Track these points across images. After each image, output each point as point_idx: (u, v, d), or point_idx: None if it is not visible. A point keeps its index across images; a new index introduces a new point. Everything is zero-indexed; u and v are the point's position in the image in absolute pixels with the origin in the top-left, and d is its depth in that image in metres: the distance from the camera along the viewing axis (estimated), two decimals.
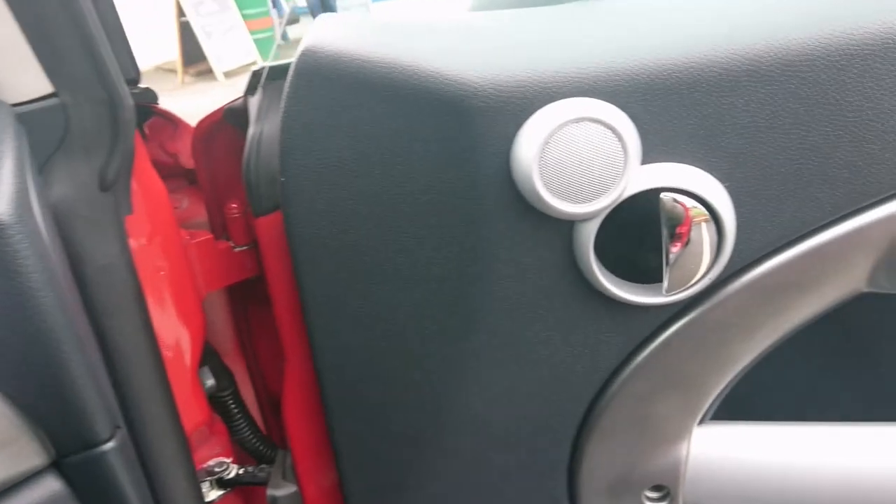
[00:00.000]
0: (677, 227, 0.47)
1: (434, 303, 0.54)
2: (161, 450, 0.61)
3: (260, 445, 0.82)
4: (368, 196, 0.51)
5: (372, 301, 0.55)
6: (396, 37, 0.50)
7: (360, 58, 0.47)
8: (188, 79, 6.52)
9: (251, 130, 0.59)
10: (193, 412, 0.68)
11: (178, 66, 6.46)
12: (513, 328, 0.54)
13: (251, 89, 0.64)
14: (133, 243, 0.58)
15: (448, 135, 0.47)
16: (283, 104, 0.49)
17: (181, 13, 6.18)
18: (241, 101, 0.65)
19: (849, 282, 0.50)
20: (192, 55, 6.31)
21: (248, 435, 0.81)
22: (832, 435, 0.57)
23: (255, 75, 0.63)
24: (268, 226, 0.58)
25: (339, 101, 0.48)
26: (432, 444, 0.60)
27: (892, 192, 0.47)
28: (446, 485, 0.62)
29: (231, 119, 0.67)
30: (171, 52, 6.52)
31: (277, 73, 0.62)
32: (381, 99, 0.47)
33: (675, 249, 0.48)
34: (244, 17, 6.39)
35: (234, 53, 6.23)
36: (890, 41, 0.43)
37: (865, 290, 0.51)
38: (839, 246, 0.49)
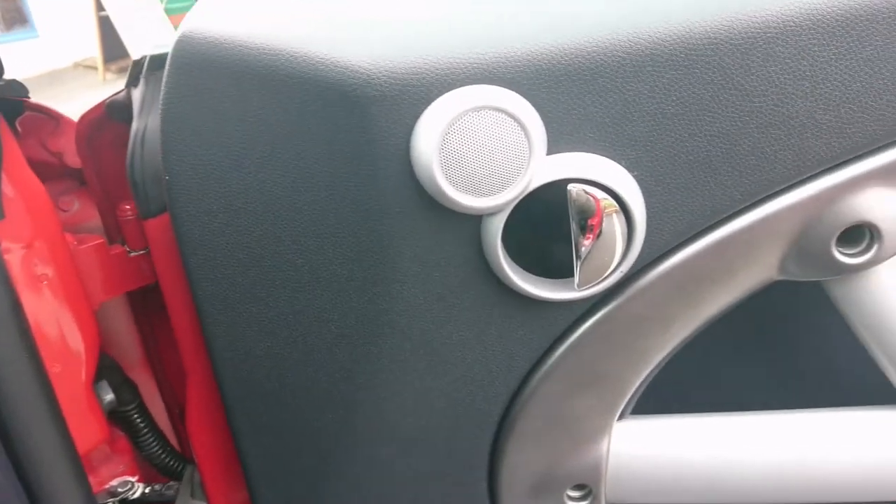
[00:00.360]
0: (586, 219, 0.45)
1: (339, 305, 0.51)
2: (49, 474, 0.56)
3: (170, 461, 0.77)
4: (261, 193, 0.47)
5: (273, 306, 0.51)
6: (283, 20, 0.46)
7: (243, 44, 0.43)
8: (110, 75, 6.27)
9: (134, 125, 0.55)
10: (90, 431, 0.63)
11: (99, 62, 6.20)
12: (424, 329, 0.51)
13: (133, 80, 0.59)
14: (7, 251, 0.53)
15: (342, 126, 0.44)
16: (161, 96, 0.45)
17: (100, 7, 5.93)
18: (123, 93, 0.61)
19: (761, 270, 0.50)
20: (114, 51, 6.07)
21: (157, 450, 0.76)
22: (750, 424, 0.57)
23: (137, 65, 0.58)
24: (158, 228, 0.54)
25: (223, 92, 0.44)
26: (346, 454, 0.57)
27: (799, 179, 0.47)
28: (363, 494, 0.59)
29: (114, 113, 0.62)
30: (92, 48, 6.26)
31: (160, 62, 0.58)
32: (267, 88, 0.44)
33: (585, 243, 0.46)
34: (167, 11, 6.17)
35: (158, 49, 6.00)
36: (791, 24, 0.42)
37: (777, 278, 0.50)
38: (750, 234, 0.48)
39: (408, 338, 0.52)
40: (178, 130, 0.45)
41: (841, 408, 0.57)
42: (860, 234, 0.48)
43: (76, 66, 6.67)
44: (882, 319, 0.50)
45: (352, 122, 0.44)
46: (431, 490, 0.59)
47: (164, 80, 0.44)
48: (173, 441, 0.81)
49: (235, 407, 0.56)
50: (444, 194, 0.44)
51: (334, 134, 0.44)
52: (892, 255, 0.48)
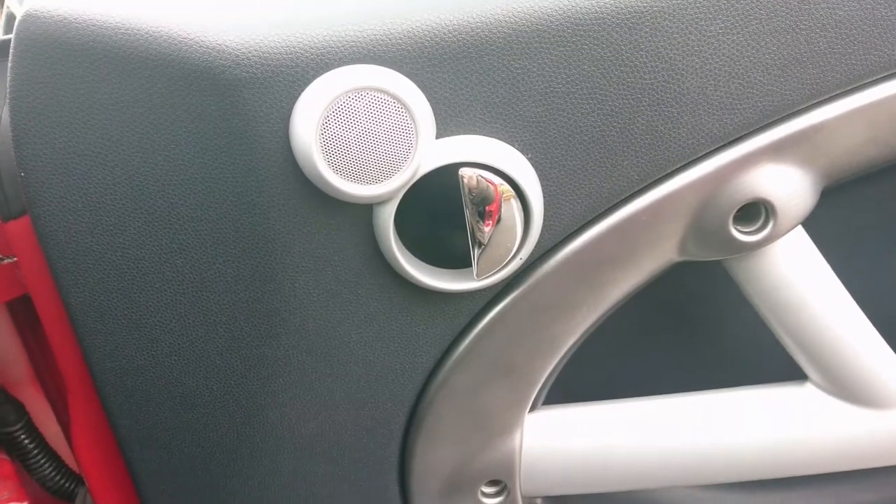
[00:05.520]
0: (481, 205, 0.43)
1: (227, 307, 0.47)
2: None
3: (65, 482, 0.72)
4: (130, 188, 0.43)
5: (154, 311, 0.47)
6: None
7: (96, 22, 0.39)
8: None
9: None
10: None
11: None
12: (319, 328, 0.49)
13: None
14: None
15: (213, 113, 0.41)
16: (8, 83, 0.40)
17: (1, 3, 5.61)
18: None
19: (662, 252, 0.49)
20: None
21: (50, 472, 0.71)
22: (659, 407, 0.56)
23: None
24: (20, 232, 0.49)
25: (77, 76, 0.40)
26: (246, 464, 0.53)
27: (695, 157, 0.46)
28: None
29: None
30: None
31: (7, 47, 0.53)
32: (127, 72, 0.40)
33: (483, 231, 0.44)
34: None
35: None
36: None
37: (678, 259, 0.49)
38: (649, 216, 0.47)
39: (303, 338, 0.49)
40: (30, 121, 0.41)
41: (749, 386, 0.57)
42: (756, 211, 0.47)
43: None
44: (780, 296, 0.50)
45: (223, 107, 0.40)
46: (342, 496, 0.56)
47: (10, 65, 0.40)
48: (70, 461, 0.76)
49: (121, 422, 0.52)
50: (327, 183, 0.41)
51: (205, 121, 0.41)
52: (788, 232, 0.48)
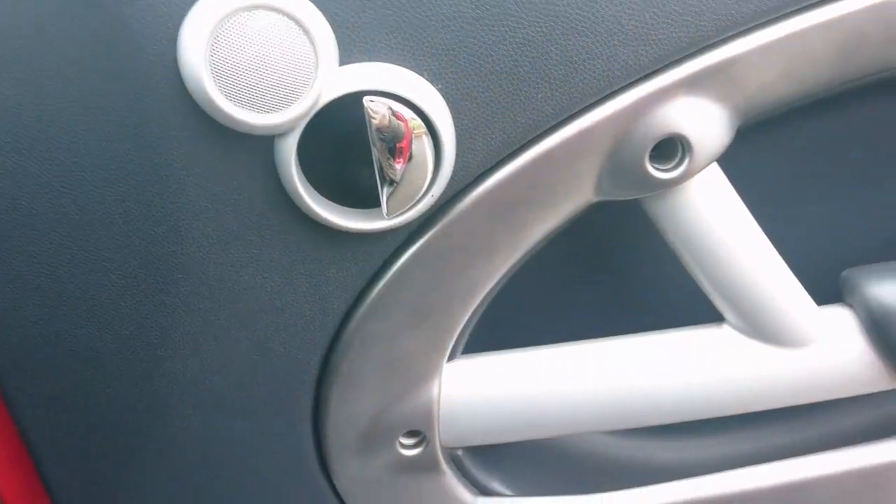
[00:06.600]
0: (390, 142, 0.41)
1: (119, 250, 0.44)
2: None
3: None
4: (4, 121, 0.39)
5: (35, 257, 0.44)
6: None
7: None
8: None
9: None
10: None
11: None
12: (222, 273, 0.46)
13: None
14: None
15: (92, 32, 0.37)
16: None
17: None
18: None
19: (579, 192, 0.48)
20: None
21: None
22: (579, 352, 0.56)
23: None
24: None
25: None
26: (149, 422, 0.50)
27: (610, 91, 0.45)
28: (176, 466, 0.53)
29: None
30: None
31: None
32: None
33: (391, 168, 0.42)
34: None
35: None
36: None
37: (595, 199, 0.48)
38: (564, 153, 0.46)
39: (204, 283, 0.46)
40: None
41: (666, 330, 0.57)
42: (672, 147, 0.47)
43: None
44: (695, 235, 0.50)
45: (104, 26, 0.37)
46: (255, 452, 0.54)
47: None
48: None
49: (8, 381, 0.48)
50: (220, 111, 0.38)
51: (84, 45, 0.37)
52: (704, 168, 0.47)
